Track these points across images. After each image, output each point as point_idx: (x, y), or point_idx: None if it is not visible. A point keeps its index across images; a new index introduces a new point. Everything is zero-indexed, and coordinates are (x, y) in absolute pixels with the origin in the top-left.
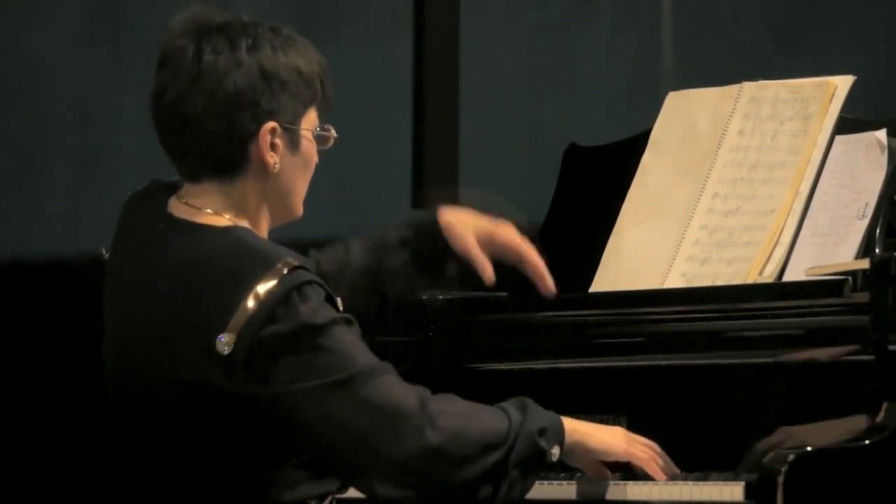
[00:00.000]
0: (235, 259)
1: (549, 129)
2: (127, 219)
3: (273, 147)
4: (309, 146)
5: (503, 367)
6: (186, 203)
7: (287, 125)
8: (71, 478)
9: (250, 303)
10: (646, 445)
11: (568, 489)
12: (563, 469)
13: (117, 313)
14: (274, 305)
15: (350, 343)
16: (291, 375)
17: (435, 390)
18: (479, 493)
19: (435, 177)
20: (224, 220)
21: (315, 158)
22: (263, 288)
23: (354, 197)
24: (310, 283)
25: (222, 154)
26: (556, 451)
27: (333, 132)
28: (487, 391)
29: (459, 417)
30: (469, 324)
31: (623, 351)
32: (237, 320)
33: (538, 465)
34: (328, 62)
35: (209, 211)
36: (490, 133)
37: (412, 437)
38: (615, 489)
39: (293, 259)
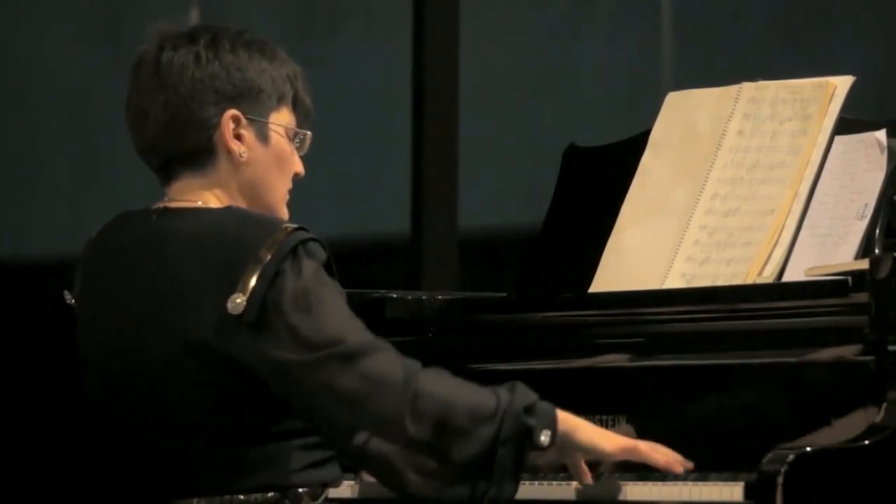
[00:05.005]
0: (240, 227)
1: (549, 129)
2: (103, 240)
3: (239, 137)
4: (281, 142)
5: (503, 367)
6: (175, 200)
7: (252, 116)
8: (70, 478)
9: (258, 262)
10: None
11: (566, 489)
12: (562, 469)
13: (109, 304)
14: (282, 260)
15: (347, 312)
16: (292, 342)
17: None
18: (475, 475)
19: (435, 177)
20: (220, 203)
21: (291, 156)
22: (270, 246)
23: (354, 197)
24: (314, 240)
25: (188, 142)
26: (546, 436)
27: (310, 135)
28: None
29: (447, 389)
30: (469, 324)
31: (623, 351)
32: (247, 280)
33: (526, 445)
34: (327, 62)
35: (200, 203)
36: (490, 133)
37: (402, 402)
38: (613, 488)
39: (294, 224)
